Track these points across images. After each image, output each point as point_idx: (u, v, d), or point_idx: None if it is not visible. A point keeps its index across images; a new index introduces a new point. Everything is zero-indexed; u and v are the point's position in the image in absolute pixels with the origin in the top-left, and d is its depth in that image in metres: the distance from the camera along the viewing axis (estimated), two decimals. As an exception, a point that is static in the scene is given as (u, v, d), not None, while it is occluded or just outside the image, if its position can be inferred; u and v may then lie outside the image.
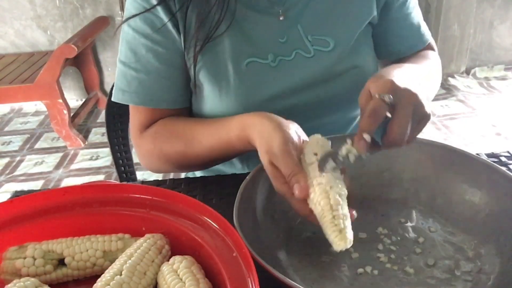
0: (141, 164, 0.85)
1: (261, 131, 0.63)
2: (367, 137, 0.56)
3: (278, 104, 0.78)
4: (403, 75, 0.63)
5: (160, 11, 0.74)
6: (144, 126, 0.81)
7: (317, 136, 0.62)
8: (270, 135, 0.61)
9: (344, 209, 0.54)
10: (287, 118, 0.65)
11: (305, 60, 0.78)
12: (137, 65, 0.77)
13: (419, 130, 0.62)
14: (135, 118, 0.82)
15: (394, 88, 0.58)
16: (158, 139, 0.79)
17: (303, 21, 0.78)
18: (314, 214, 0.56)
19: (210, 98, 0.78)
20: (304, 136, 0.63)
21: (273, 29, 0.78)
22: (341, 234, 0.52)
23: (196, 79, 0.78)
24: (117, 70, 0.80)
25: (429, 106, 0.62)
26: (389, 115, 0.58)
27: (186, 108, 0.83)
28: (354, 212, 0.57)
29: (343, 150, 0.57)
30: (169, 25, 0.75)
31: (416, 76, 0.66)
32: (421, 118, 0.60)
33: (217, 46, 0.75)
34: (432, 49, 0.93)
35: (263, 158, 0.61)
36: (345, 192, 0.56)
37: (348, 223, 0.54)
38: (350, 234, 0.53)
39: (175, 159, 0.79)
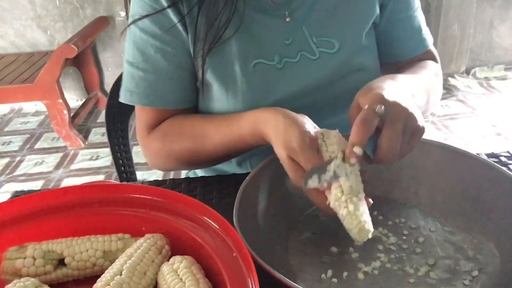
0: (148, 163, 0.85)
1: (276, 127, 0.63)
2: (358, 150, 0.55)
3: (284, 105, 0.77)
4: (395, 88, 0.61)
5: (169, 11, 0.74)
6: (151, 126, 0.81)
7: (335, 132, 0.62)
8: (286, 130, 0.61)
9: (364, 202, 0.55)
10: None
11: (310, 62, 0.79)
12: (145, 66, 0.77)
13: (413, 145, 0.60)
14: (142, 118, 0.82)
15: (384, 101, 0.57)
16: (167, 139, 0.79)
17: (308, 23, 0.78)
18: (330, 208, 0.57)
19: (217, 98, 0.78)
20: (317, 129, 0.64)
21: (279, 31, 0.78)
22: (360, 226, 0.53)
23: (203, 80, 0.78)
24: (124, 71, 0.80)
25: (422, 119, 0.60)
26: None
27: (193, 108, 0.83)
28: (370, 200, 0.58)
29: (332, 166, 0.57)
30: (179, 26, 0.75)
31: (410, 89, 0.65)
32: (414, 131, 0.59)
33: (224, 47, 0.75)
34: (433, 57, 0.91)
35: (281, 153, 0.61)
36: (361, 186, 0.57)
37: (367, 215, 0.54)
38: (369, 226, 0.54)
39: (185, 157, 0.79)
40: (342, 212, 0.55)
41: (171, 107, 0.80)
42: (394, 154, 0.57)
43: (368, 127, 0.55)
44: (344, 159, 0.57)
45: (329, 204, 0.57)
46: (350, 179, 0.56)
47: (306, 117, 0.65)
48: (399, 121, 0.57)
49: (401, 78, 0.68)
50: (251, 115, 0.69)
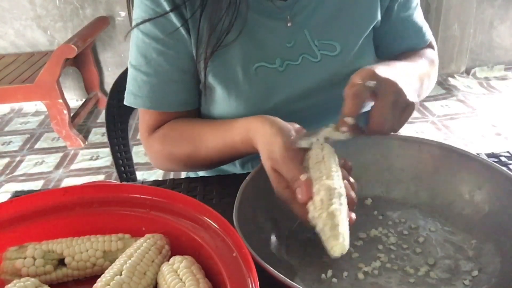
0: (151, 164, 0.87)
1: (263, 137, 0.63)
2: (349, 120, 0.60)
3: (286, 108, 0.78)
4: (387, 68, 0.66)
5: (172, 15, 0.74)
6: (153, 128, 0.82)
7: (320, 141, 0.62)
8: (271, 140, 0.61)
9: (343, 216, 0.54)
10: (293, 122, 0.65)
11: (312, 65, 0.79)
12: (147, 69, 0.77)
13: (405, 119, 0.64)
14: (145, 120, 0.82)
15: (375, 77, 0.61)
16: (167, 142, 0.80)
17: (310, 26, 0.79)
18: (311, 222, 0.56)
19: (220, 102, 0.79)
20: (305, 139, 0.63)
21: (281, 34, 0.78)
22: (337, 241, 0.52)
23: (206, 82, 0.78)
24: (128, 73, 0.80)
25: (413, 96, 0.64)
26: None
27: (196, 110, 0.84)
28: (353, 216, 0.57)
29: (322, 133, 0.61)
30: (181, 29, 0.75)
31: (403, 73, 0.68)
32: (405, 106, 0.63)
33: (227, 50, 0.75)
34: (431, 46, 0.93)
35: (265, 164, 0.61)
36: (344, 195, 0.56)
37: (345, 231, 0.53)
38: (346, 242, 0.52)
39: (183, 160, 0.80)
40: (318, 228, 0.55)
41: (174, 110, 0.80)
42: (384, 125, 0.62)
43: (358, 99, 0.60)
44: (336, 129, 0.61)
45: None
46: (334, 181, 0.56)
47: (296, 125, 0.64)
48: (390, 94, 0.61)
49: (396, 63, 0.72)
50: (244, 123, 0.69)
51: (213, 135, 0.74)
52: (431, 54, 0.90)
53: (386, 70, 0.64)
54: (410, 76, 0.72)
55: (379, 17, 0.83)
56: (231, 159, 0.78)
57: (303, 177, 0.57)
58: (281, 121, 0.64)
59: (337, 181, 0.57)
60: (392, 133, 0.66)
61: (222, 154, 0.74)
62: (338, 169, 0.59)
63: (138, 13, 0.76)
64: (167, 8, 0.73)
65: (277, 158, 0.59)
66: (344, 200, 0.56)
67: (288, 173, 0.58)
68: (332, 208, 0.53)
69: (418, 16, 0.89)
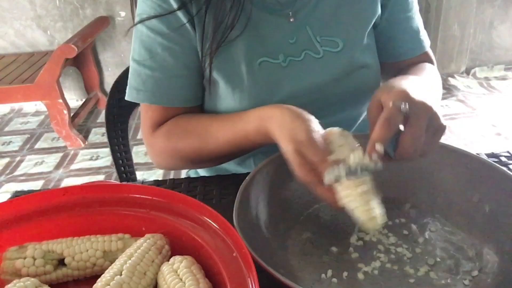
0: (152, 162, 0.85)
1: (282, 122, 0.63)
2: (379, 147, 0.55)
3: (289, 103, 0.77)
4: (415, 86, 0.62)
5: (178, 11, 0.74)
6: (156, 124, 0.81)
7: (337, 128, 0.62)
8: (293, 124, 0.61)
9: (373, 192, 0.56)
10: None
11: (314, 61, 0.79)
12: (152, 64, 0.77)
13: (435, 143, 0.60)
14: (148, 117, 0.81)
15: (409, 99, 0.57)
16: (173, 137, 0.79)
17: (311, 23, 0.79)
18: (340, 202, 0.56)
19: (224, 97, 0.79)
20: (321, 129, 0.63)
21: (283, 30, 0.78)
22: (371, 216, 0.54)
23: (210, 78, 0.78)
24: (130, 69, 0.80)
25: (443, 118, 0.60)
26: (401, 127, 0.57)
27: (199, 106, 0.83)
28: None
29: (352, 158, 0.56)
30: (187, 25, 0.75)
31: (425, 88, 0.66)
32: (436, 129, 0.59)
33: (231, 46, 0.76)
34: (430, 60, 0.92)
35: (287, 147, 0.60)
36: (370, 176, 0.57)
37: (378, 206, 0.55)
38: (380, 216, 0.54)
39: (190, 155, 0.79)
40: (348, 207, 0.55)
41: (178, 105, 0.80)
42: (416, 151, 0.57)
43: (393, 126, 0.56)
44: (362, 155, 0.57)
45: (337, 198, 0.57)
46: (362, 174, 0.56)
47: (311, 115, 0.64)
48: (424, 119, 0.57)
49: (412, 79, 0.68)
50: (257, 112, 0.69)
51: (223, 126, 0.74)
52: (433, 69, 0.89)
53: (416, 90, 0.60)
54: (430, 92, 0.69)
55: (379, 11, 0.83)
56: (241, 152, 0.77)
57: (331, 157, 0.56)
58: (298, 108, 0.64)
59: None
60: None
61: (232, 146, 0.73)
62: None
63: (143, 8, 0.76)
64: (174, 6, 0.73)
65: (302, 140, 0.58)
66: (370, 177, 0.56)
67: (315, 155, 0.57)
68: (363, 186, 0.54)
69: (416, 21, 0.88)
